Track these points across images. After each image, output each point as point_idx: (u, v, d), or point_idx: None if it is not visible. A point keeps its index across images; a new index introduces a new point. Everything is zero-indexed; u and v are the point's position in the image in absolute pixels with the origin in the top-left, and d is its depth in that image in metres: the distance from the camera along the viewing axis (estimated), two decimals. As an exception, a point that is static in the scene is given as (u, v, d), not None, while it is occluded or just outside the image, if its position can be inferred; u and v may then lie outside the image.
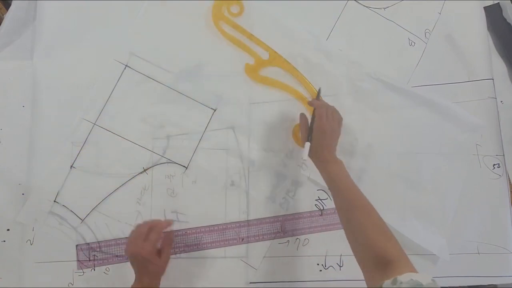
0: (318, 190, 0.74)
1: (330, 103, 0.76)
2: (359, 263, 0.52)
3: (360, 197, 0.57)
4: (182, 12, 0.75)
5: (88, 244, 0.70)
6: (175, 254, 0.71)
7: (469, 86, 0.79)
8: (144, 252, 0.60)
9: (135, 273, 0.62)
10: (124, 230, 0.70)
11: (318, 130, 0.63)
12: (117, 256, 0.70)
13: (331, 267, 0.72)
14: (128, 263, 0.69)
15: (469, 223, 0.75)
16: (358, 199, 0.56)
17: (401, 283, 0.40)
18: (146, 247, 0.60)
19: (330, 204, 0.73)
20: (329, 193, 0.73)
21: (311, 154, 0.63)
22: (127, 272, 0.70)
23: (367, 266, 0.50)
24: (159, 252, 0.63)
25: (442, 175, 0.75)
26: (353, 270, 0.72)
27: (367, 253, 0.51)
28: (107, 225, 0.70)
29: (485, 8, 0.82)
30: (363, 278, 0.50)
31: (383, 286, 0.42)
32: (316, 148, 0.63)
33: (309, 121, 0.67)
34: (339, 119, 0.67)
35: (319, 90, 0.72)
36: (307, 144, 0.63)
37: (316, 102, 0.69)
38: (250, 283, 0.71)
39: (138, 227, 0.64)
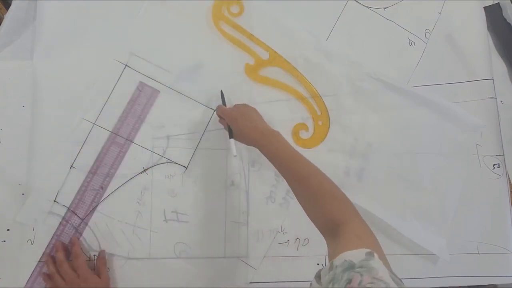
0: (318, 190, 0.74)
1: (330, 103, 0.76)
2: (319, 230, 0.52)
3: (303, 165, 0.56)
4: (182, 12, 0.75)
5: (88, 244, 0.70)
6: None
7: (469, 86, 0.79)
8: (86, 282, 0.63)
9: None
10: (124, 230, 0.70)
11: (230, 121, 0.66)
12: (117, 255, 0.70)
13: (331, 267, 0.72)
14: (129, 262, 0.70)
15: (469, 223, 0.75)
16: (302, 168, 0.56)
17: (336, 267, 0.39)
18: (83, 275, 0.64)
19: (330, 204, 0.73)
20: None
21: (242, 142, 0.66)
22: (127, 272, 0.70)
23: (322, 232, 0.51)
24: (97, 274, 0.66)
25: (442, 175, 0.75)
26: (353, 270, 0.72)
27: (319, 219, 0.52)
28: (107, 225, 0.70)
29: (485, 8, 0.82)
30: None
31: (321, 273, 0.42)
32: (240, 136, 0.65)
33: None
34: (243, 104, 0.69)
35: (221, 93, 0.72)
36: (231, 141, 0.66)
37: (220, 109, 0.69)
38: (250, 283, 0.71)
39: (54, 275, 0.65)
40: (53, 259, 0.67)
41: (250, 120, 0.64)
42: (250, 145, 0.64)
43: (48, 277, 0.66)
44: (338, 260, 0.40)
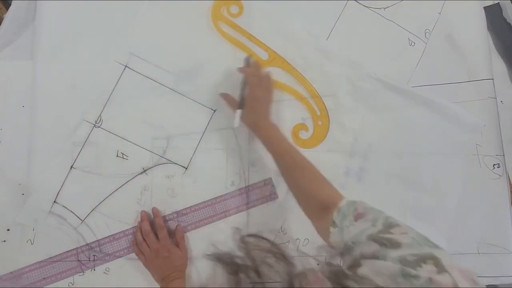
0: (318, 190, 0.74)
1: (330, 103, 0.76)
2: (308, 214, 0.59)
3: (297, 156, 0.61)
4: (181, 13, 0.75)
5: (88, 244, 0.70)
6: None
7: (469, 86, 0.79)
8: (169, 254, 0.66)
9: (159, 278, 0.66)
10: (124, 230, 0.71)
11: (252, 98, 0.66)
12: (117, 255, 0.70)
13: (331, 267, 0.72)
14: (129, 262, 0.70)
15: (469, 223, 0.75)
16: (296, 159, 0.61)
17: (342, 207, 0.50)
18: (166, 246, 0.66)
19: (330, 204, 0.73)
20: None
21: (247, 122, 0.66)
22: (127, 272, 0.70)
23: (315, 214, 0.57)
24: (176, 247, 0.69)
25: (442, 175, 0.75)
26: (353, 270, 0.72)
27: (312, 203, 0.58)
28: (107, 225, 0.70)
29: (485, 8, 0.82)
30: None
31: (333, 218, 0.50)
32: (251, 115, 0.66)
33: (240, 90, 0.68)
34: (272, 86, 0.69)
35: (248, 58, 0.71)
36: (239, 111, 0.66)
37: (248, 70, 0.69)
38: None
39: (142, 243, 0.68)
40: (140, 228, 0.69)
41: (266, 107, 0.66)
42: (249, 127, 0.66)
43: (136, 243, 0.69)
44: (342, 203, 0.50)
